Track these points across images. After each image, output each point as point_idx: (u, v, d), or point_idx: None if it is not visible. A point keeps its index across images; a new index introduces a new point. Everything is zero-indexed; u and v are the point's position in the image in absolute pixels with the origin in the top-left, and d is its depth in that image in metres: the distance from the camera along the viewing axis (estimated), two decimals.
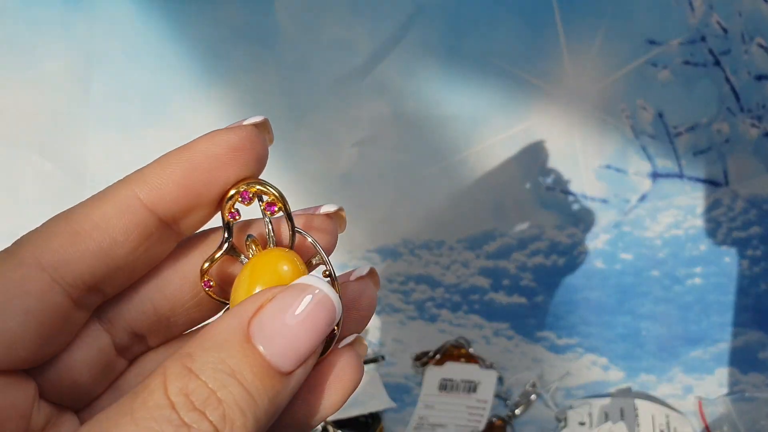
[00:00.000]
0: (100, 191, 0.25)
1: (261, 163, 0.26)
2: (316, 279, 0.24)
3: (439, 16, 0.63)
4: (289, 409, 0.25)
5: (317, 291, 0.23)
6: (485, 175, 0.67)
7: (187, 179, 0.25)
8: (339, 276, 0.26)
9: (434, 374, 0.63)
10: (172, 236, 0.26)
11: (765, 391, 0.62)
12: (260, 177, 0.26)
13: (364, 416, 0.60)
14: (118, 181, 0.25)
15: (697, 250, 0.67)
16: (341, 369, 0.25)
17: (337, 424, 0.59)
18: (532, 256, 0.67)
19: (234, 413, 0.22)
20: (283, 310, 0.23)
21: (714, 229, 0.67)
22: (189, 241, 0.27)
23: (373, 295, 0.28)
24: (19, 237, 0.25)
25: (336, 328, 0.24)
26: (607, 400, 0.61)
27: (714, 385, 0.64)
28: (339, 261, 0.67)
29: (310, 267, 0.26)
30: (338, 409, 0.25)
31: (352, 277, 0.28)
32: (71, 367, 0.26)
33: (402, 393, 0.64)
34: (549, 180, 0.67)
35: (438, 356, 0.65)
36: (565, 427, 0.59)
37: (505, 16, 0.63)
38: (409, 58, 0.65)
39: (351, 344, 0.26)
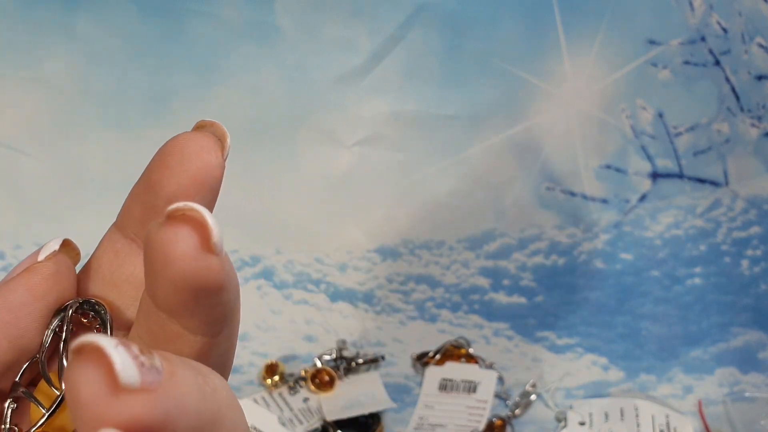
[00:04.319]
0: None
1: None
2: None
3: (439, 16, 0.63)
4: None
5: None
6: (485, 175, 0.67)
7: None
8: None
9: (434, 374, 0.63)
10: None
11: (765, 391, 0.62)
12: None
13: (364, 416, 0.60)
14: None
15: (697, 250, 0.67)
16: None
17: (338, 424, 0.59)
18: (532, 256, 0.67)
19: None
20: None
21: (714, 229, 0.67)
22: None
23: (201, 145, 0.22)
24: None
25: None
26: (607, 400, 0.61)
27: (714, 385, 0.64)
28: (339, 261, 0.67)
29: None
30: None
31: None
32: None
33: (402, 393, 0.64)
34: (549, 180, 0.67)
35: (438, 356, 0.65)
36: (565, 427, 0.59)
37: (505, 16, 0.63)
38: (409, 58, 0.65)
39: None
